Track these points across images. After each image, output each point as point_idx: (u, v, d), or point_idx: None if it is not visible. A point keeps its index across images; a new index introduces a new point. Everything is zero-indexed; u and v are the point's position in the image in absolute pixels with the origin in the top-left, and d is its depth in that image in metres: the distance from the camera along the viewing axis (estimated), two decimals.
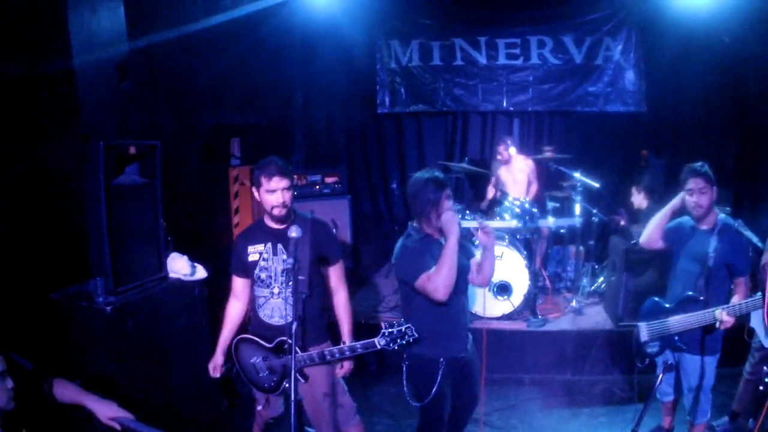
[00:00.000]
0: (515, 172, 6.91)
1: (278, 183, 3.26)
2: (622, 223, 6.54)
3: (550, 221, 6.14)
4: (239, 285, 3.57)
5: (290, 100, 8.03)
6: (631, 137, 7.44)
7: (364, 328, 5.91)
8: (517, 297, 5.78)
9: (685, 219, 3.89)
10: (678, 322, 3.66)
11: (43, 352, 3.49)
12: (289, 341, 3.30)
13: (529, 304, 5.88)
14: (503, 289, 5.76)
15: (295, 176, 7.19)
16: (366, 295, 6.78)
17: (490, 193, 7.12)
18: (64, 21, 3.53)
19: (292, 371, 2.75)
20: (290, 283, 3.27)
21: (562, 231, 6.59)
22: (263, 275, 3.43)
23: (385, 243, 8.03)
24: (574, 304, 6.11)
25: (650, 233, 3.97)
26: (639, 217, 5.97)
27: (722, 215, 3.77)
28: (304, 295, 3.32)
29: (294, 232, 3.01)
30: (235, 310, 3.64)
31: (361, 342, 3.24)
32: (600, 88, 7.35)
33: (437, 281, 3.10)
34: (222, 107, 6.39)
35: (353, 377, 5.36)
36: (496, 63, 7.59)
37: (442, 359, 3.31)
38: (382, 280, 7.29)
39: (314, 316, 3.48)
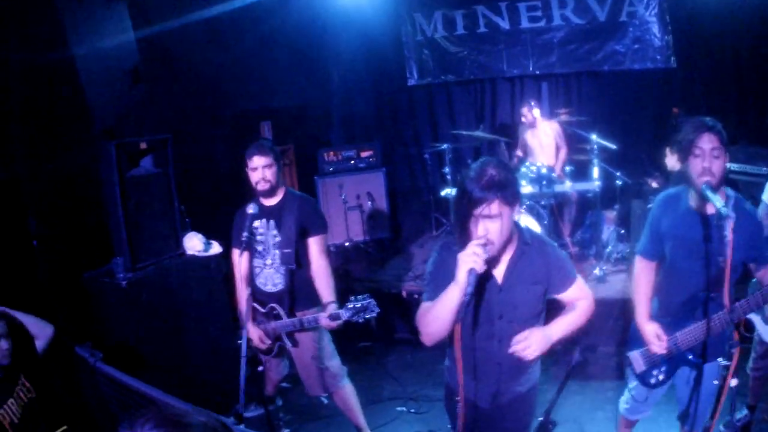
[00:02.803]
0: (541, 136, 7.22)
1: (257, 161, 3.89)
2: (655, 185, 6.68)
3: (567, 185, 6.47)
4: (243, 259, 4.01)
5: (322, 81, 8.72)
6: (663, 95, 7.50)
7: (385, 297, 6.57)
8: None
9: (675, 194, 3.15)
10: (689, 334, 3.05)
11: (77, 324, 4.43)
12: (277, 309, 4.03)
13: None
14: None
15: (331, 152, 7.95)
16: (396, 264, 7.35)
17: (515, 158, 7.47)
18: (62, 27, 4.29)
19: (244, 336, 3.37)
20: (275, 255, 3.97)
21: (589, 195, 6.83)
22: (260, 248, 4.05)
23: (423, 214, 8.60)
24: (597, 272, 6.18)
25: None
26: (672, 179, 6.12)
27: (729, 189, 2.99)
28: (291, 267, 3.98)
29: (251, 209, 3.65)
30: (244, 288, 4.11)
31: (330, 313, 3.76)
32: (626, 45, 7.47)
33: (421, 321, 2.60)
34: (248, 92, 7.13)
35: (373, 343, 6.12)
36: (519, 27, 7.89)
37: (459, 396, 2.73)
38: (416, 250, 7.82)
39: (302, 285, 4.04)
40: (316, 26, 8.03)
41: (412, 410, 4.99)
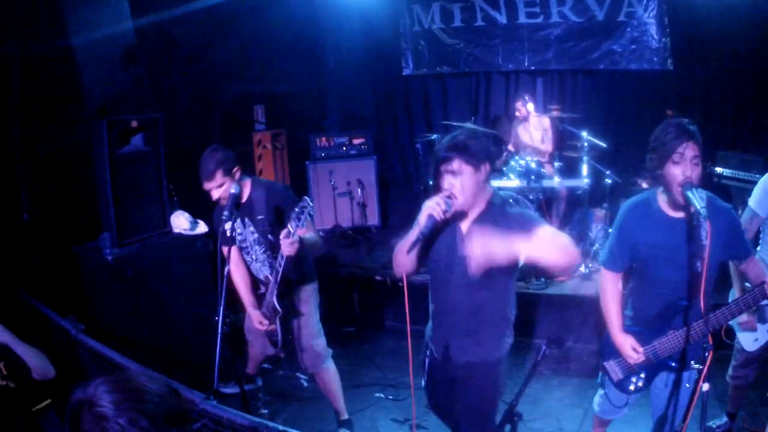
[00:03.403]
0: (532, 131, 7.31)
1: (207, 186, 3.83)
2: (645, 185, 6.75)
3: (556, 181, 6.56)
4: (234, 254, 4.01)
5: (319, 67, 8.85)
6: (659, 97, 7.52)
7: (371, 284, 6.64)
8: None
9: (644, 201, 3.08)
10: (668, 342, 3.03)
11: (66, 297, 4.53)
12: (269, 278, 4.05)
13: (532, 265, 6.18)
14: None
15: (323, 138, 8.03)
16: (383, 252, 7.33)
17: (506, 153, 7.47)
18: (61, 11, 4.34)
19: (221, 313, 3.46)
20: (257, 250, 4.04)
21: (578, 192, 6.87)
22: (242, 244, 4.12)
23: (413, 203, 8.66)
24: (583, 269, 6.19)
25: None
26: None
27: (700, 190, 2.80)
28: (270, 238, 3.97)
29: (232, 188, 3.72)
30: (238, 276, 4.18)
31: (282, 233, 3.59)
32: (623, 45, 7.49)
33: (394, 254, 2.99)
34: (244, 77, 7.25)
35: (357, 329, 6.22)
36: (516, 22, 7.94)
37: (429, 344, 3.23)
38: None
39: (291, 267, 3.98)
40: (314, 13, 8.10)
41: (390, 397, 5.05)
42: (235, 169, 3.84)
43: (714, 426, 4.25)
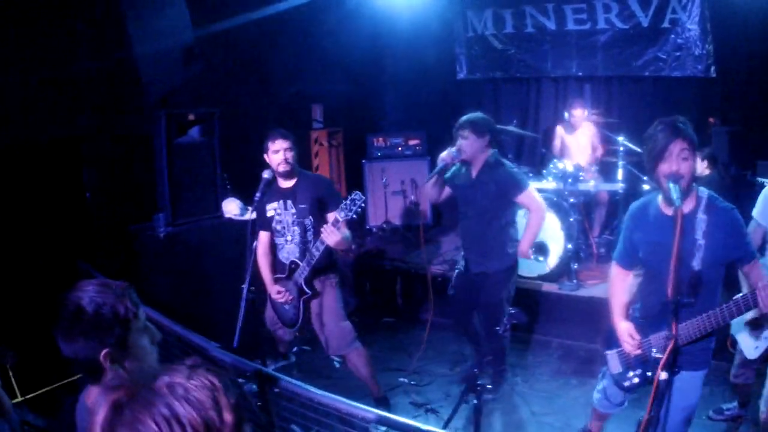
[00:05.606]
0: (579, 137, 7.30)
1: (280, 144, 4.20)
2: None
3: (591, 184, 6.58)
4: (263, 237, 4.48)
5: (377, 70, 9.13)
6: (702, 105, 7.36)
7: (412, 278, 6.87)
8: (553, 259, 6.10)
9: (645, 202, 3.20)
10: (663, 338, 2.98)
11: (119, 268, 4.95)
12: (296, 261, 4.32)
13: (565, 267, 6.18)
14: (540, 249, 5.98)
15: (380, 138, 8.28)
16: (429, 249, 7.46)
17: (556, 150, 7.49)
18: (123, 23, 4.79)
19: (247, 281, 3.74)
20: (294, 231, 4.31)
21: (617, 198, 6.87)
22: (278, 227, 4.40)
23: None
24: None
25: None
26: (700, 184, 6.11)
27: (702, 188, 2.98)
28: (307, 221, 4.28)
29: (266, 174, 4.10)
30: (263, 257, 4.52)
31: (330, 222, 3.97)
32: (667, 52, 7.36)
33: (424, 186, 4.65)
34: (302, 77, 7.57)
35: (396, 320, 6.42)
36: (565, 29, 7.92)
37: (460, 261, 4.77)
38: (454, 238, 7.97)
39: (321, 257, 4.21)
40: (371, 17, 8.32)
41: (413, 382, 5.25)
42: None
43: (725, 408, 4.37)
